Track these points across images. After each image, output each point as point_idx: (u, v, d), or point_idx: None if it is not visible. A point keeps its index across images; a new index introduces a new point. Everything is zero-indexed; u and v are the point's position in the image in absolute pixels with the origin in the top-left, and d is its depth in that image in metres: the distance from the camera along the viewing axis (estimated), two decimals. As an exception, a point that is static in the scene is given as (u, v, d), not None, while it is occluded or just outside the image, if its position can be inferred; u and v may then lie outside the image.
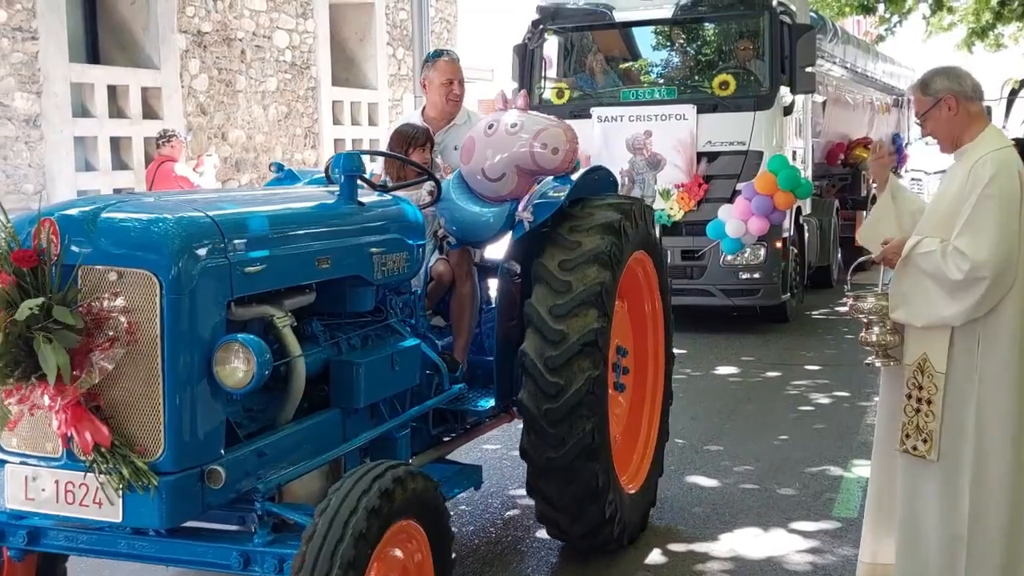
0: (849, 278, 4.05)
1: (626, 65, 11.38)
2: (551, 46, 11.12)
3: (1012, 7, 16.47)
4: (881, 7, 16.12)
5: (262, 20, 12.49)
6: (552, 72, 11.19)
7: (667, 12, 10.54)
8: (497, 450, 6.38)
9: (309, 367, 3.51)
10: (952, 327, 3.57)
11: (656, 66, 11.31)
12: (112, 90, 10.52)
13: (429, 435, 4.43)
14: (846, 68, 14.28)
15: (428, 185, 4.53)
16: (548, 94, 11.02)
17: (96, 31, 10.93)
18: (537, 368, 4.22)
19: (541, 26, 10.90)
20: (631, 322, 5.12)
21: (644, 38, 11.24)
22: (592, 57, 11.13)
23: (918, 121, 3.81)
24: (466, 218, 4.48)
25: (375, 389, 3.78)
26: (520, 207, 4.48)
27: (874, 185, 4.05)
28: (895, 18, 16.93)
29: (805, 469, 6.08)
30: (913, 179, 22.38)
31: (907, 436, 3.71)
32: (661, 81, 11.04)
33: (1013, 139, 3.93)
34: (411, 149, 4.72)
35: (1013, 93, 22.20)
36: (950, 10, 17.88)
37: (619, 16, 10.69)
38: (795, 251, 11.22)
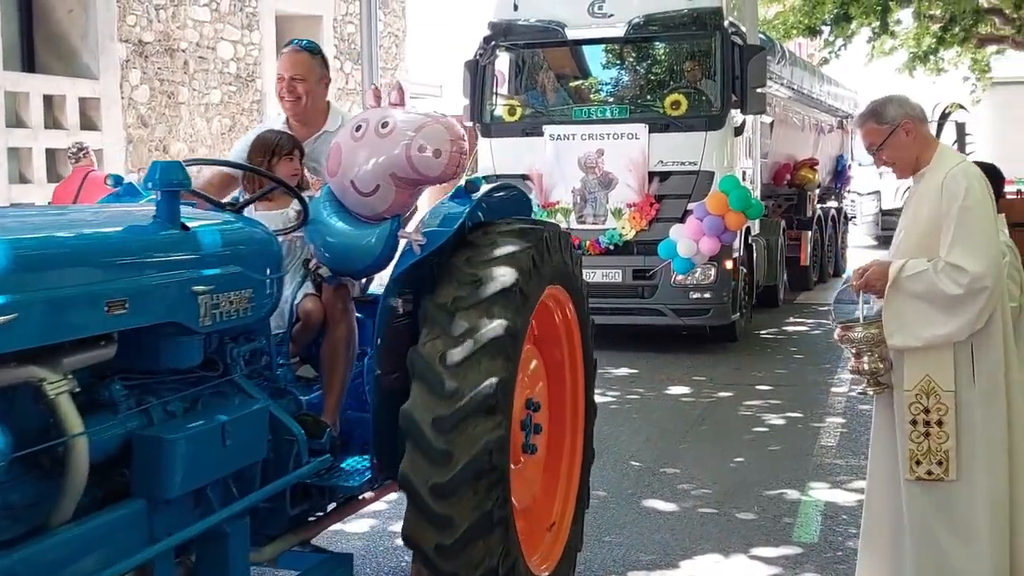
0: (833, 308, 4.00)
1: (578, 83, 11.29)
2: (503, 63, 11.06)
3: (954, 32, 16.80)
4: (826, 30, 16.33)
5: (206, 31, 12.23)
6: (504, 89, 11.12)
7: (619, 31, 10.46)
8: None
9: (99, 446, 2.65)
10: (952, 344, 3.57)
11: (608, 85, 11.21)
12: (48, 100, 10.19)
13: (286, 516, 3.54)
14: (793, 89, 14.39)
15: (295, 204, 3.79)
16: (500, 111, 10.95)
17: (32, 39, 10.61)
18: (422, 431, 3.40)
19: (493, 42, 10.77)
20: (545, 370, 4.29)
21: (596, 56, 11.12)
22: (544, 74, 11.05)
23: (873, 151, 3.77)
24: (342, 242, 3.70)
25: (195, 472, 2.92)
26: (407, 226, 3.75)
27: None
28: (839, 41, 17.16)
29: (763, 492, 5.98)
30: (852, 201, 22.80)
31: (917, 463, 3.62)
32: (613, 100, 10.99)
33: (976, 162, 3.95)
34: (275, 160, 3.95)
35: (943, 117, 22.76)
36: (892, 35, 18.16)
37: (571, 34, 10.59)
38: (744, 271, 11.25)
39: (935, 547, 3.65)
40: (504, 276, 3.58)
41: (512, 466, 3.76)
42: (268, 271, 3.35)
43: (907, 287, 3.58)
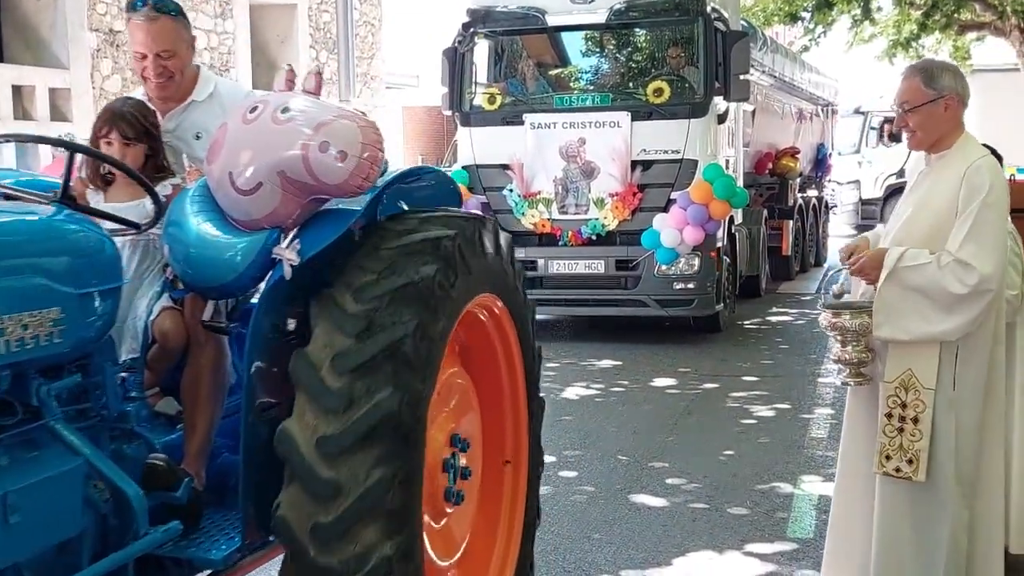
0: (822, 294, 3.84)
1: (559, 71, 11.16)
2: (482, 50, 10.91)
3: (935, 18, 16.71)
4: (807, 16, 16.23)
5: (178, 19, 12.03)
6: (483, 77, 10.96)
7: (600, 17, 10.32)
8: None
9: None
10: (939, 341, 3.43)
11: (590, 72, 11.08)
12: (17, 90, 9.96)
13: None
14: (774, 77, 14.33)
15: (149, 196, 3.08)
16: (480, 99, 10.79)
17: (0, 29, 10.38)
18: (302, 456, 2.62)
19: (472, 29, 10.63)
20: (479, 401, 3.50)
21: (577, 43, 11.01)
22: (524, 62, 10.92)
23: (904, 110, 3.54)
24: (199, 251, 2.89)
25: None
26: (284, 240, 2.87)
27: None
28: (819, 28, 17.06)
29: (754, 486, 5.89)
30: (832, 191, 22.75)
31: (887, 458, 3.51)
32: (594, 88, 10.83)
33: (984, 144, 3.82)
34: (114, 134, 3.23)
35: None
36: (872, 22, 18.08)
37: (552, 20, 10.44)
38: (728, 261, 11.16)
39: (898, 546, 3.56)
40: (421, 269, 2.81)
41: (433, 524, 3.16)
42: (92, 282, 2.57)
43: (905, 278, 3.42)
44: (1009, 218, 3.96)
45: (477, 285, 3.15)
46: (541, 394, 3.81)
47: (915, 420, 3.48)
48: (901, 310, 3.44)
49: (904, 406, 3.48)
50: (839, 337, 3.62)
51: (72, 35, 10.39)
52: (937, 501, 3.53)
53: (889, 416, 3.52)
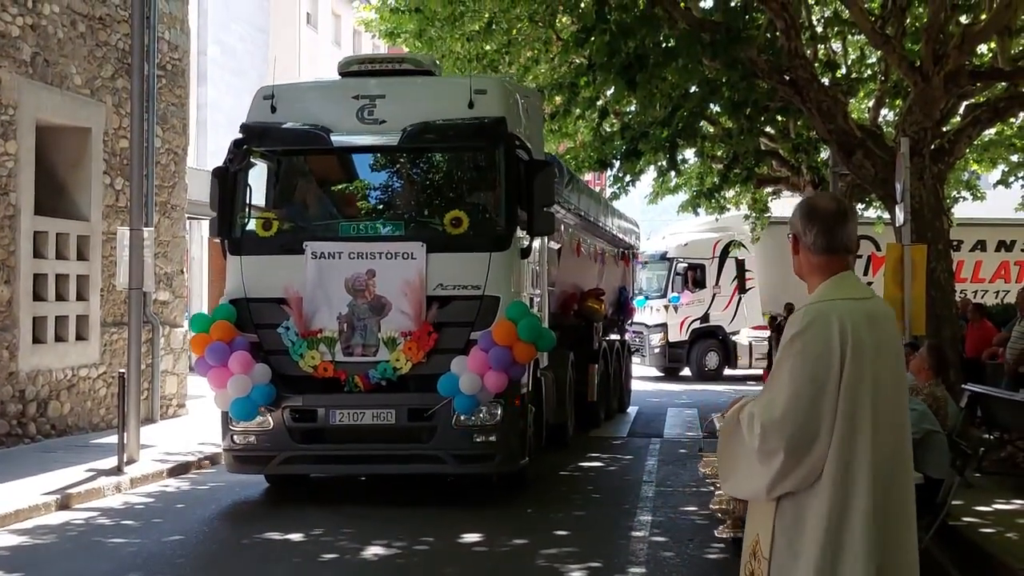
0: (702, 438, 2.79)
1: (346, 195, 9.49)
2: (259, 171, 9.24)
3: (736, 171, 16.49)
4: (616, 164, 15.63)
5: (-50, 139, 9.95)
6: (259, 200, 9.27)
7: (392, 139, 8.84)
8: None
9: None
10: (776, 504, 2.90)
11: (381, 198, 9.49)
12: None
13: None
14: (580, 217, 13.27)
15: None
16: (253, 224, 9.07)
17: None
18: None
19: (245, 147, 8.97)
20: None
21: (367, 166, 9.47)
22: (306, 185, 9.30)
23: None
24: None
25: None
26: None
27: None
28: (627, 177, 16.47)
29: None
30: (636, 332, 22.01)
31: None
32: (385, 215, 9.26)
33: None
34: None
35: (725, 253, 22.68)
36: (678, 172, 17.78)
37: (338, 140, 8.88)
38: (533, 409, 9.61)
39: None
40: None
41: None
42: None
43: (728, 428, 3.03)
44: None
45: None
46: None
47: None
48: (730, 462, 3.04)
49: (752, 574, 3.01)
50: (714, 486, 3.01)
51: None
52: None
53: None
